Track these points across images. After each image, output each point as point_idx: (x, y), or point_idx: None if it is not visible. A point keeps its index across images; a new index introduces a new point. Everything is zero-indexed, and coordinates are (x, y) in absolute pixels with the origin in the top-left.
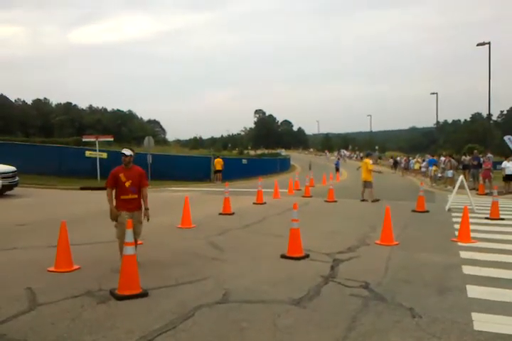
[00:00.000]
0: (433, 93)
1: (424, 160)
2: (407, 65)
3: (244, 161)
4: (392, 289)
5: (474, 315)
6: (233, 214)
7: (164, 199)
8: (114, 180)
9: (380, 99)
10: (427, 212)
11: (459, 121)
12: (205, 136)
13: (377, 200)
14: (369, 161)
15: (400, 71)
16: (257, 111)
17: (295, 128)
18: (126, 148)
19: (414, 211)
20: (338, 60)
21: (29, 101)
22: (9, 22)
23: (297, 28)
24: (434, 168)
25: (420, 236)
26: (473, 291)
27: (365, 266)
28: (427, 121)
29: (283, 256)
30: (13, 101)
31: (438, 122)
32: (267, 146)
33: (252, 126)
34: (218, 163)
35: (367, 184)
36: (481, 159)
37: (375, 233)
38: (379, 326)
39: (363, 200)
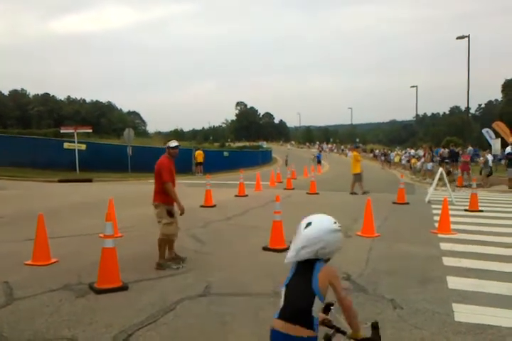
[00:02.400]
0: (413, 86)
1: (405, 153)
2: (388, 58)
3: (225, 154)
4: (374, 280)
5: (455, 306)
6: (215, 206)
7: (145, 192)
8: (171, 173)
9: (361, 92)
10: (408, 204)
11: (438, 114)
12: (187, 128)
13: (367, 192)
14: (357, 154)
15: (381, 64)
16: (238, 104)
17: (276, 121)
18: (172, 140)
19: (394, 203)
20: (320, 53)
21: (5, 92)
22: None
23: (280, 20)
24: (413, 160)
25: (401, 228)
26: (454, 282)
27: (346, 258)
28: (407, 114)
29: (265, 248)
30: None
31: (417, 115)
32: (248, 138)
33: (234, 118)
34: (199, 155)
35: (356, 176)
36: (458, 151)
37: (356, 225)
38: (360, 317)
39: (352, 193)
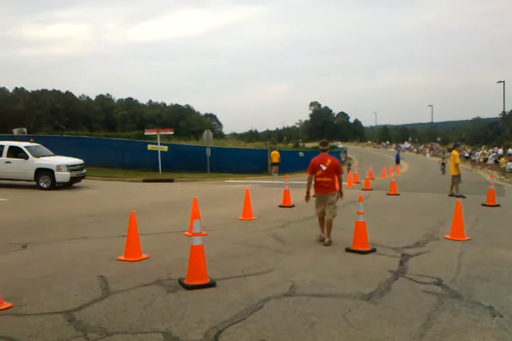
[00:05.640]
0: (500, 81)
1: (494, 152)
2: (471, 51)
3: (301, 154)
4: (468, 286)
5: None
6: (293, 206)
7: (223, 192)
8: None
9: (442, 89)
10: (498, 206)
11: None
12: (261, 129)
13: (463, 197)
14: (457, 153)
15: (463, 58)
16: (312, 104)
17: (351, 120)
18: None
19: (484, 205)
20: (396, 48)
21: (93, 97)
22: (72, 20)
23: (352, 16)
24: (503, 159)
25: (493, 232)
26: None
27: (436, 262)
28: (492, 111)
29: (348, 250)
30: (78, 97)
31: (504, 112)
32: (322, 139)
33: (308, 118)
34: (275, 156)
35: (454, 178)
36: None
37: (443, 227)
38: (457, 325)
39: (451, 195)
